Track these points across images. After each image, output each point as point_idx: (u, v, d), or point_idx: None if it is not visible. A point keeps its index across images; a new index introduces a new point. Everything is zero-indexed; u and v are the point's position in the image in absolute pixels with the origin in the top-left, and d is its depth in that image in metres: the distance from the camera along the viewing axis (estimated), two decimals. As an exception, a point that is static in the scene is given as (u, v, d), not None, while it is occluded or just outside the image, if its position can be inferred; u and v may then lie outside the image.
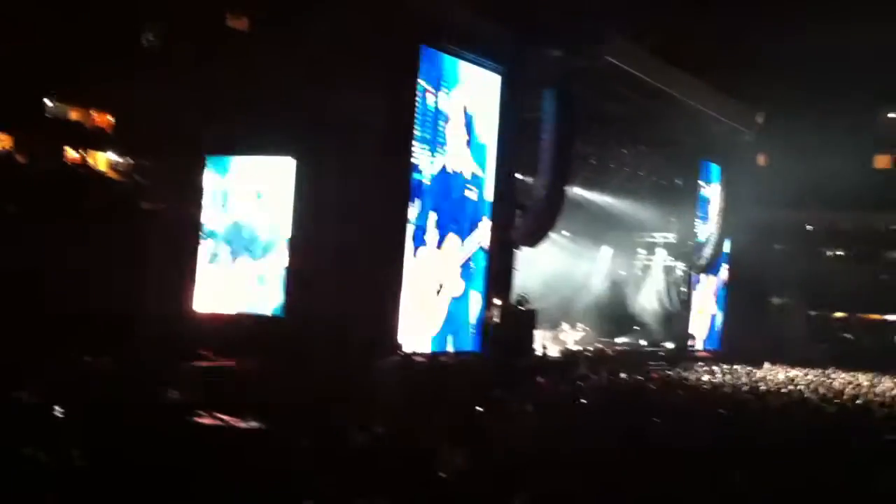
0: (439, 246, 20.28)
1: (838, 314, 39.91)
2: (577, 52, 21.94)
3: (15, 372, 11.29)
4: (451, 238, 20.62)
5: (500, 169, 22.04)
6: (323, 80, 17.86)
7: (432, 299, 20.16)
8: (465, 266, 21.14)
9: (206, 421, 10.45)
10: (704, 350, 32.34)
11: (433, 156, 19.87)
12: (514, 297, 23.27)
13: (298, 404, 13.13)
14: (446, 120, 20.22)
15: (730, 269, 34.32)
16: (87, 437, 9.33)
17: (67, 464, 6.47)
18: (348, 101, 18.00)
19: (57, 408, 9.57)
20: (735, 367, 26.92)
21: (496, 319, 22.04)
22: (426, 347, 19.85)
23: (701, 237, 32.30)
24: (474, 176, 21.31)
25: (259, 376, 14.58)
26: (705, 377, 23.58)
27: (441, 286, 20.39)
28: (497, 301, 22.16)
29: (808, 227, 41.33)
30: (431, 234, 20.03)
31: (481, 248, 21.53)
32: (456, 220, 20.77)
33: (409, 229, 19.42)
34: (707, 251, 32.40)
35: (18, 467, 6.37)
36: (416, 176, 19.45)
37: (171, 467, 7.73)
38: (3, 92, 16.35)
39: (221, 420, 10.76)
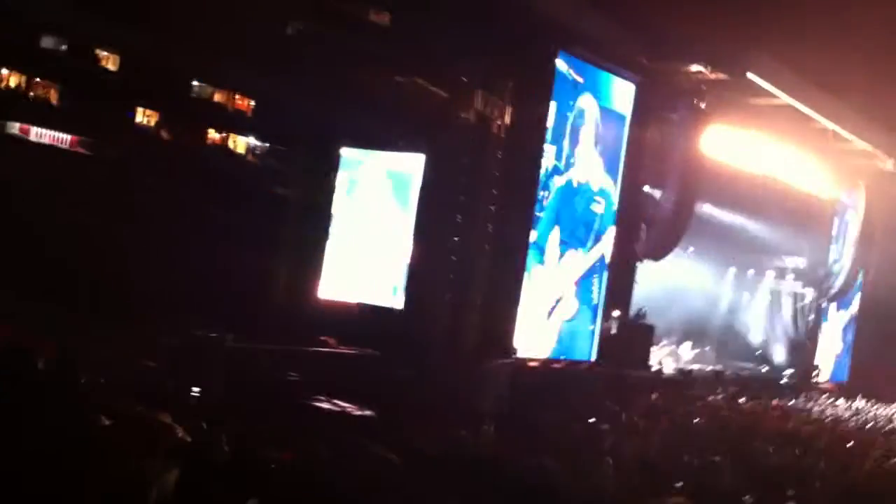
0: (559, 261, 20.11)
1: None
2: (717, 66, 21.42)
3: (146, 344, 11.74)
4: (572, 254, 20.42)
5: (628, 181, 21.76)
6: (457, 81, 17.99)
7: (543, 319, 19.94)
8: (585, 281, 20.88)
9: (325, 405, 10.67)
10: (829, 382, 31.19)
11: (563, 169, 19.74)
12: (632, 310, 22.96)
13: (407, 400, 13.28)
14: (578, 129, 20.06)
15: (862, 301, 33.01)
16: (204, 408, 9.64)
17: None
18: (481, 104, 18.10)
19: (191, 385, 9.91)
20: (861, 402, 25.90)
21: (613, 331, 21.77)
22: (541, 353, 19.73)
23: (834, 265, 31.17)
24: (601, 189, 21.08)
25: (376, 367, 14.77)
26: (829, 411, 22.77)
27: (557, 302, 20.18)
28: (615, 313, 21.89)
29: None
30: (552, 251, 19.85)
31: (603, 260, 21.27)
32: (579, 235, 20.57)
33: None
34: (839, 280, 31.25)
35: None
36: (541, 192, 19.31)
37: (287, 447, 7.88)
38: (154, 73, 17.01)
39: (338, 406, 10.98)
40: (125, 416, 5.69)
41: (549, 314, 20.03)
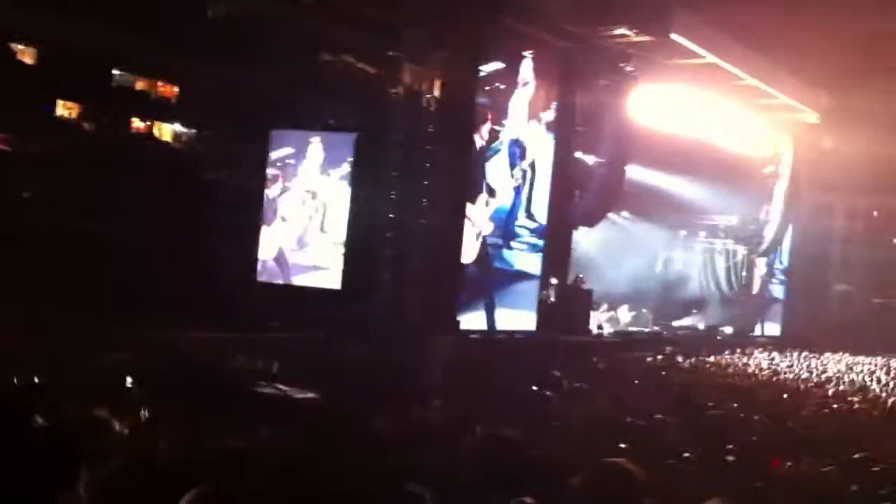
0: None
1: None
2: (642, 28, 21.60)
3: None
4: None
5: (560, 148, 21.89)
6: (385, 56, 17.89)
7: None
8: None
9: (266, 390, 10.61)
10: (764, 336, 31.89)
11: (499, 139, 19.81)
12: (570, 276, 23.18)
13: (353, 378, 13.25)
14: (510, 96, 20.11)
15: (792, 256, 33.75)
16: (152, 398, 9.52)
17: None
18: (411, 78, 18.04)
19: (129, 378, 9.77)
20: (795, 353, 26.53)
21: (552, 299, 21.97)
22: (482, 325, 19.83)
23: (764, 221, 31.79)
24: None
25: (318, 349, 14.71)
26: (765, 364, 23.30)
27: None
28: (553, 280, 22.07)
29: (874, 213, 40.43)
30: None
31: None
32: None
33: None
34: (769, 236, 31.90)
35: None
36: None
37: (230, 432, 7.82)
38: (72, 62, 16.61)
39: (280, 389, 10.92)
40: (61, 414, 5.59)
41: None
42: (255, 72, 17.61)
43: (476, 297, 19.87)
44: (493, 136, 19.68)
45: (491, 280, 20.25)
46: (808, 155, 32.64)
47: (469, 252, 19.72)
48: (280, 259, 19.51)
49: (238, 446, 5.63)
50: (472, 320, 19.51)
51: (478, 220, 19.92)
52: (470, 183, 19.60)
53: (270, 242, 19.58)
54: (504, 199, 20.52)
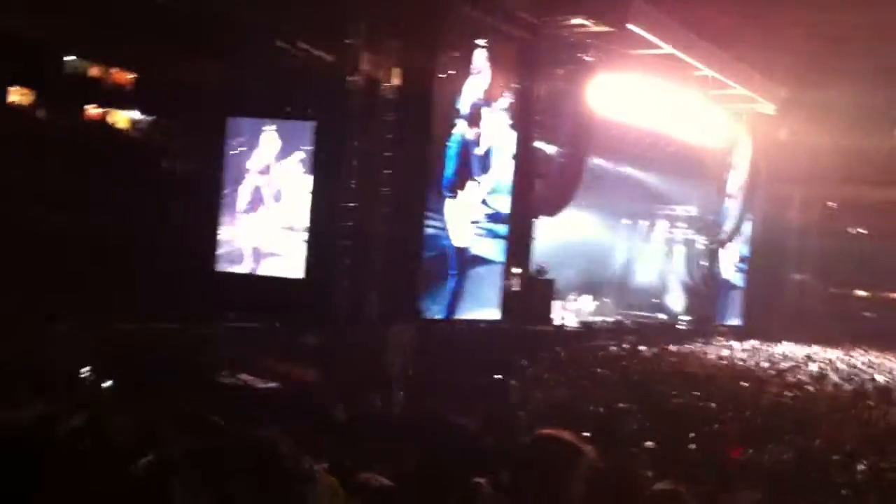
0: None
1: (860, 293, 39.59)
2: (599, 18, 21.62)
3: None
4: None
5: (521, 138, 21.86)
6: (342, 44, 17.73)
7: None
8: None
9: (228, 380, 10.49)
10: (724, 325, 32.17)
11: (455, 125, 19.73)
12: (532, 266, 23.19)
13: (315, 368, 13.15)
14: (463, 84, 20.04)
15: (751, 245, 34.07)
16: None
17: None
18: (369, 66, 17.90)
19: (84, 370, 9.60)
20: (754, 342, 26.81)
21: (515, 288, 21.96)
22: (443, 314, 19.77)
23: (723, 211, 32.05)
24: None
25: (279, 339, 14.58)
26: (725, 353, 23.51)
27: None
28: (516, 270, 22.07)
29: (831, 204, 40.91)
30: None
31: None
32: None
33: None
34: (728, 225, 32.17)
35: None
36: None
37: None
38: (23, 48, 16.27)
39: (242, 380, 10.80)
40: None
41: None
42: (212, 59, 17.39)
43: (441, 282, 19.81)
44: (449, 123, 19.59)
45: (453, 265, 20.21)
46: (766, 146, 32.97)
47: (463, 237, 20.01)
48: (239, 248, 19.31)
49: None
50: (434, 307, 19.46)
51: (468, 206, 20.17)
52: (461, 169, 19.77)
53: (229, 231, 19.36)
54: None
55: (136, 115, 18.93)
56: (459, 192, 19.98)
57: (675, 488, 4.12)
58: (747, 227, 33.57)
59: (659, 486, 4.10)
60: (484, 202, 20.89)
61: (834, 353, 25.72)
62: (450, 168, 19.79)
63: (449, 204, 19.74)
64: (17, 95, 17.15)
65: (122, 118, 18.81)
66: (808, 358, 23.67)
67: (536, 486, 3.07)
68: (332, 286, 17.67)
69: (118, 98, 18.60)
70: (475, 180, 20.47)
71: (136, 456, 3.94)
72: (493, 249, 21.28)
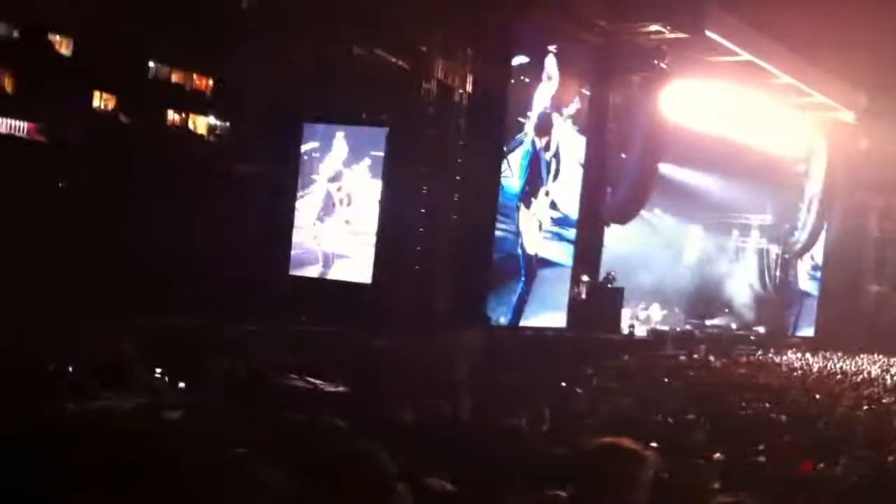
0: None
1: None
2: (675, 24, 21.45)
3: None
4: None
5: (592, 144, 21.82)
6: (417, 51, 17.91)
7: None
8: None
9: (298, 383, 10.68)
10: (798, 337, 31.61)
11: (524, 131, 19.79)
12: (601, 274, 23.09)
13: (383, 372, 13.29)
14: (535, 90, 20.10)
15: (826, 255, 33.42)
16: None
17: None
18: (442, 73, 18.05)
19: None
20: (828, 354, 26.28)
21: (583, 296, 21.90)
22: (509, 318, 19.82)
23: (798, 220, 31.51)
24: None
25: (349, 343, 14.77)
26: (797, 365, 23.10)
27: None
28: (584, 278, 22.01)
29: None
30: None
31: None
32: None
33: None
34: (803, 235, 31.62)
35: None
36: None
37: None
38: (109, 53, 16.76)
39: (310, 382, 10.97)
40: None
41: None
42: (289, 65, 17.70)
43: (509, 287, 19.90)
44: (517, 128, 19.64)
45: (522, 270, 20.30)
46: (844, 154, 32.28)
47: (534, 243, 20.20)
48: (312, 252, 19.63)
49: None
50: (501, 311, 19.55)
51: (540, 213, 20.34)
52: (532, 178, 20.00)
53: (303, 235, 19.69)
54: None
55: (213, 120, 19.35)
56: (533, 199, 20.08)
57: (740, 499, 4.13)
58: (823, 238, 32.94)
59: (723, 498, 4.12)
60: (553, 206, 20.91)
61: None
62: (522, 177, 19.87)
63: (522, 212, 19.83)
64: (100, 100, 17.67)
65: (201, 122, 19.25)
66: (885, 371, 23.14)
67: (599, 494, 3.10)
68: (401, 291, 17.83)
69: (199, 102, 19.03)
70: (545, 188, 20.52)
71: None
72: (561, 253, 21.27)
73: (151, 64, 18.30)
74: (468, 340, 15.06)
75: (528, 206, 20.08)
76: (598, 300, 22.27)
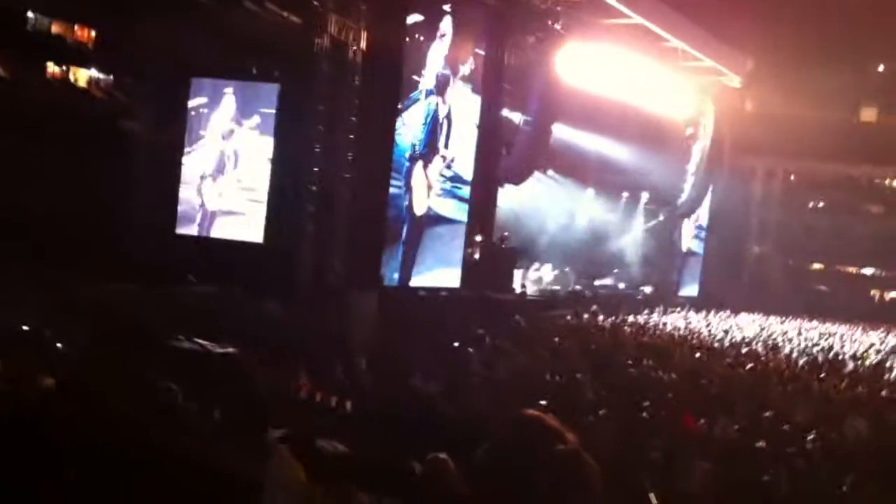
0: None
1: (816, 265, 40.17)
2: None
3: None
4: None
5: (486, 105, 21.82)
6: (310, 6, 17.51)
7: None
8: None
9: (184, 344, 10.43)
10: (682, 296, 32.52)
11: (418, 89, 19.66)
12: (495, 234, 23.25)
13: (272, 332, 13.12)
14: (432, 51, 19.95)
15: (711, 217, 34.38)
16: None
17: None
18: (336, 29, 17.71)
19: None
20: (711, 313, 27.12)
21: (476, 256, 22.03)
22: (400, 278, 19.80)
23: (684, 182, 32.28)
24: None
25: (240, 304, 14.51)
26: (682, 324, 23.78)
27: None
28: (478, 238, 22.12)
29: (791, 177, 41.38)
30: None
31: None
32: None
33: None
34: (689, 196, 32.43)
35: None
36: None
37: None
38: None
39: (199, 344, 10.73)
40: None
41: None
42: (178, 19, 17.10)
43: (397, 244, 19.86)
44: (413, 86, 19.51)
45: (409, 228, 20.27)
46: (731, 118, 33.18)
47: (421, 205, 20.05)
48: (200, 211, 19.15)
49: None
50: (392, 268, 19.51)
51: (433, 172, 20.22)
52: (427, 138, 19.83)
53: (191, 194, 19.19)
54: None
55: (97, 74, 18.61)
56: (426, 158, 19.99)
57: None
58: (708, 199, 33.85)
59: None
60: (447, 165, 20.89)
61: (789, 325, 26.12)
62: (418, 135, 19.77)
63: (416, 170, 19.72)
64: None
65: (83, 76, 18.50)
66: (764, 329, 24.04)
67: (512, 466, 3.01)
68: (294, 251, 17.57)
69: (80, 56, 18.27)
70: (439, 146, 20.46)
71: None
72: (456, 210, 21.31)
73: (31, 15, 17.45)
74: (362, 303, 14.97)
75: (424, 164, 19.98)
76: (491, 260, 22.43)
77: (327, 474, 4.34)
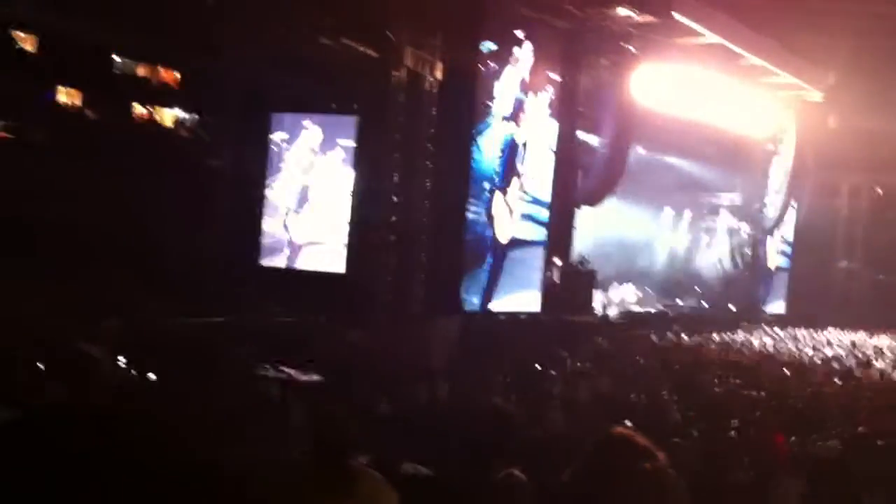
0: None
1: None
2: (644, 7, 21.51)
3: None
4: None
5: (563, 128, 21.87)
6: (385, 39, 17.84)
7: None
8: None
9: (270, 374, 10.67)
10: (769, 313, 31.91)
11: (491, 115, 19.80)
12: (574, 256, 23.19)
13: (356, 360, 13.30)
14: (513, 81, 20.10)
15: (797, 233, 33.75)
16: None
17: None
18: (412, 61, 18.00)
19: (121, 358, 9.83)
20: (799, 330, 26.56)
21: (556, 279, 21.99)
22: (482, 303, 19.86)
23: (767, 199, 31.78)
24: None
25: (323, 333, 14.75)
26: (769, 341, 23.34)
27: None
28: (557, 261, 22.09)
29: (878, 191, 40.32)
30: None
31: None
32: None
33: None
34: (773, 213, 31.90)
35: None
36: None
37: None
38: (72, 48, 16.59)
39: (284, 373, 10.97)
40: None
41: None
42: (256, 56, 17.59)
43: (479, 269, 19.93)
44: (486, 113, 19.63)
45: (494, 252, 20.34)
46: (813, 133, 32.57)
47: (504, 233, 20.21)
48: (283, 242, 19.57)
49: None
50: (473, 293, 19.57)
51: (512, 203, 20.34)
52: (507, 165, 20.11)
53: (273, 226, 19.63)
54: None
55: (180, 113, 19.19)
56: (506, 184, 20.12)
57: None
58: (792, 215, 33.25)
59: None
60: (525, 190, 20.95)
61: (880, 341, 25.42)
62: (496, 164, 19.89)
63: (496, 196, 19.86)
64: (65, 95, 17.49)
65: (168, 115, 19.10)
66: (854, 345, 23.44)
67: (602, 485, 2.98)
68: (376, 280, 17.81)
69: (165, 95, 18.87)
70: (518, 172, 20.56)
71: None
72: (534, 232, 21.33)
73: (116, 58, 18.11)
74: (444, 328, 15.08)
75: (503, 191, 20.10)
76: (571, 283, 22.36)
77: (414, 498, 4.43)
